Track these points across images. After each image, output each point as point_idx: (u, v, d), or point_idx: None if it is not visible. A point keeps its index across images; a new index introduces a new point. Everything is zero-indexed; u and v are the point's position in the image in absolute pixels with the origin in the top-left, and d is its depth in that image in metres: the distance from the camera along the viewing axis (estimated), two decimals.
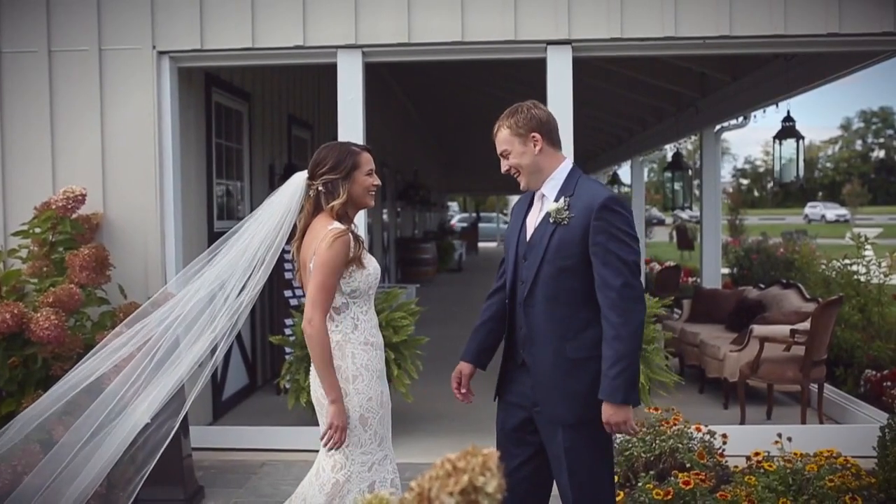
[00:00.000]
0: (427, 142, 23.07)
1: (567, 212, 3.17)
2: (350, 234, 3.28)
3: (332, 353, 3.25)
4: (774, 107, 8.94)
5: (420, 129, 20.49)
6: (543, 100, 5.86)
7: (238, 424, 6.66)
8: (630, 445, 5.04)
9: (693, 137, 13.62)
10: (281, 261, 5.69)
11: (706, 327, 8.38)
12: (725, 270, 13.95)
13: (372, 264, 3.38)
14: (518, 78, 10.82)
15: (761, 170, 69.97)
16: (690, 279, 14.01)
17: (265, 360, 8.33)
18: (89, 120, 5.87)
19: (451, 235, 28.59)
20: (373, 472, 3.29)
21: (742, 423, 6.66)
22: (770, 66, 8.02)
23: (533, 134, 3.24)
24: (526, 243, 3.28)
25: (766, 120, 9.43)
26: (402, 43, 5.82)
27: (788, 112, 8.55)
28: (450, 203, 45.64)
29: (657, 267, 15.71)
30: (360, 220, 5.76)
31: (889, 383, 6.89)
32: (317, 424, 3.44)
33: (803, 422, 6.59)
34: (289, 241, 3.54)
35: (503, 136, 3.28)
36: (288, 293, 7.83)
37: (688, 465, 4.83)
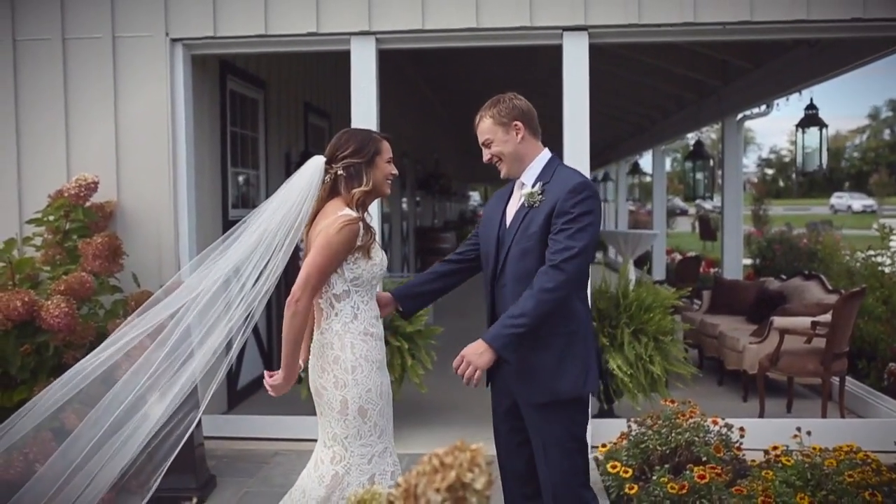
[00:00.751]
0: (448, 131, 22.98)
1: (541, 196, 3.29)
2: (361, 223, 3.22)
3: (300, 337, 3.26)
4: (798, 95, 8.78)
5: (441, 119, 20.40)
6: (560, 87, 5.80)
7: (252, 413, 6.65)
8: (646, 438, 4.98)
9: (716, 126, 13.45)
10: (297, 249, 5.64)
11: (726, 319, 8.27)
12: (748, 261, 13.78)
13: (379, 256, 3.33)
14: (537, 65, 10.71)
15: (787, 159, 69.15)
16: (712, 270, 13.87)
17: (281, 350, 8.30)
18: (103, 107, 5.86)
19: (474, 225, 28.51)
20: (373, 464, 3.24)
21: (761, 416, 6.56)
22: (793, 53, 7.87)
23: (515, 123, 3.35)
24: (506, 229, 3.40)
25: (792, 108, 9.28)
26: (415, 29, 5.75)
27: (812, 100, 8.41)
28: (471, 193, 45.56)
29: (678, 257, 15.58)
30: (374, 210, 5.72)
31: None
32: None
33: (824, 415, 6.47)
34: None
35: (486, 126, 3.38)
36: None
37: (704, 459, 4.76)
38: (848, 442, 4.73)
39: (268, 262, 3.38)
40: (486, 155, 3.42)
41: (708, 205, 32.36)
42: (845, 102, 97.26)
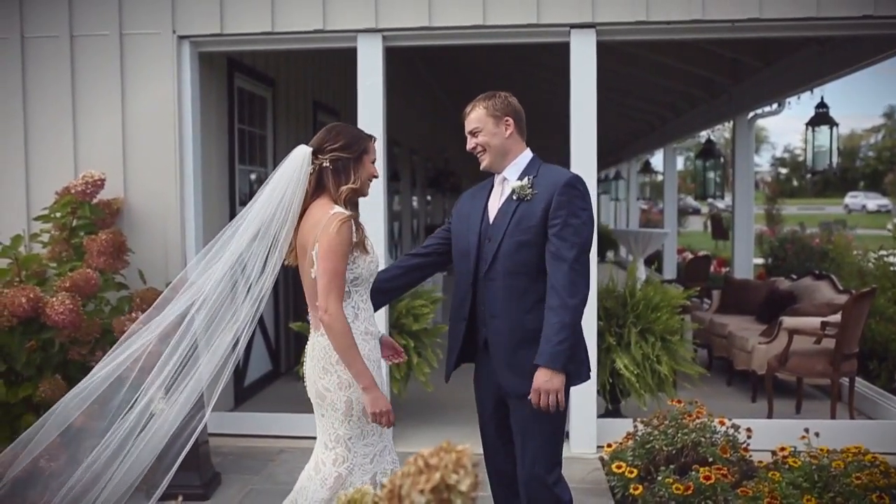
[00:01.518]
0: (458, 129, 22.75)
1: (531, 189, 3.32)
2: (353, 219, 3.19)
3: (354, 338, 3.14)
4: (810, 93, 8.71)
5: (452, 117, 20.34)
6: (567, 85, 5.77)
7: (258, 411, 6.65)
8: (652, 438, 4.94)
9: (729, 125, 13.37)
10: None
11: (735, 318, 8.21)
12: (759, 261, 13.70)
13: (373, 249, 3.31)
14: (545, 64, 10.67)
15: (800, 159, 68.63)
16: (723, 269, 13.79)
17: (289, 347, 8.32)
18: (110, 104, 5.87)
19: None
20: (374, 463, 3.22)
21: (769, 416, 6.51)
22: (804, 51, 7.80)
23: (506, 118, 3.42)
24: (490, 225, 3.42)
25: (806, 107, 9.19)
26: (422, 27, 5.73)
27: (822, 98, 8.34)
28: None
29: (690, 256, 15.50)
30: (381, 208, 5.71)
31: None
32: None
33: (833, 417, 6.42)
34: None
35: (477, 115, 3.44)
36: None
37: (710, 460, 4.72)
38: (857, 443, 4.68)
39: (268, 254, 3.30)
40: (470, 143, 3.47)
41: (721, 204, 32.21)
42: (860, 101, 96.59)
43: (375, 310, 3.64)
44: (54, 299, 4.65)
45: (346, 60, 9.67)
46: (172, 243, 5.85)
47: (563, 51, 5.89)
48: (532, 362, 3.23)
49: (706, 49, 8.91)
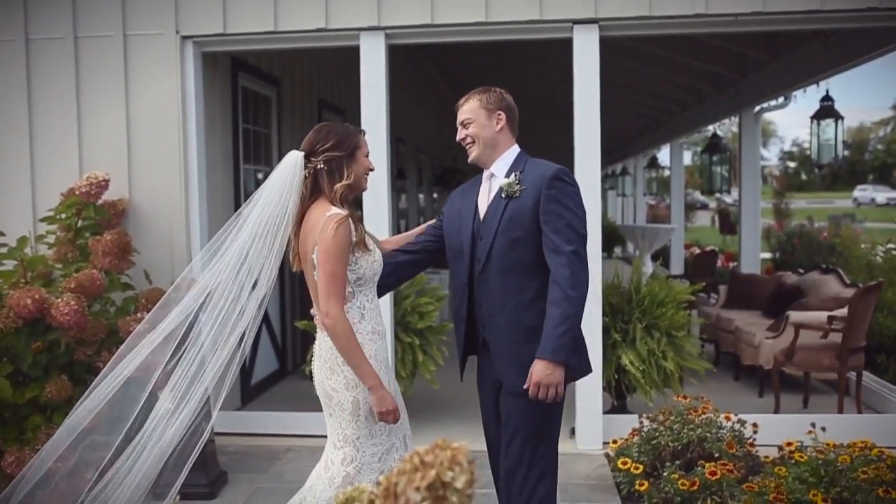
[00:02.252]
0: None
1: (519, 185, 3.32)
2: (350, 218, 3.19)
3: (357, 340, 3.14)
4: (816, 86, 8.67)
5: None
6: (571, 80, 5.75)
7: (265, 410, 6.67)
8: (657, 434, 4.93)
9: (736, 119, 13.34)
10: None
11: (742, 313, 8.19)
12: (767, 255, 13.65)
13: (377, 248, 3.31)
14: (552, 61, 10.65)
15: (808, 152, 68.35)
16: (730, 264, 13.75)
17: (295, 345, 8.34)
18: (114, 105, 5.89)
19: None
20: (382, 462, 3.23)
21: (776, 411, 6.49)
22: (809, 45, 7.76)
23: (499, 112, 3.44)
24: (481, 223, 3.42)
25: (813, 100, 9.11)
26: (425, 24, 5.73)
27: (827, 91, 8.30)
28: None
29: (697, 251, 15.47)
30: (384, 205, 5.71)
31: None
32: None
33: (840, 411, 6.40)
34: None
35: (470, 107, 3.45)
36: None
37: (716, 455, 4.71)
38: (864, 438, 4.66)
39: (265, 256, 3.29)
40: (460, 133, 3.47)
41: (728, 198, 32.10)
42: (869, 94, 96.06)
43: None
44: (60, 300, 4.67)
45: (350, 58, 9.71)
46: (177, 243, 5.87)
47: (567, 47, 5.88)
48: (532, 358, 3.21)
49: (712, 43, 8.88)
